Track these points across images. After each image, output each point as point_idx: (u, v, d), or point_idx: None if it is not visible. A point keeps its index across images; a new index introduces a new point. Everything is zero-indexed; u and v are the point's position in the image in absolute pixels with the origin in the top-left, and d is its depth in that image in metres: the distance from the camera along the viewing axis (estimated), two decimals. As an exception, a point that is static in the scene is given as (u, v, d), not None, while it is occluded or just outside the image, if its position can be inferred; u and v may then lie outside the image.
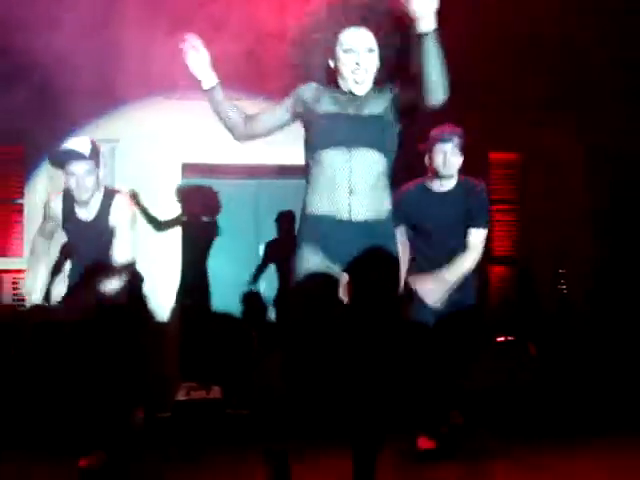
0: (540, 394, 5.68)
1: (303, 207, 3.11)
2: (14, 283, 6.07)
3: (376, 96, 3.09)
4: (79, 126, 5.93)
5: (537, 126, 6.47)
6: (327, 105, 3.07)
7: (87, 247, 4.19)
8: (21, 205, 6.13)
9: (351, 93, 3.06)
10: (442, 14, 2.64)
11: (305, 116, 3.11)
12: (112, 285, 4.11)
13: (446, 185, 4.36)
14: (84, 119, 5.87)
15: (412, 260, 4.42)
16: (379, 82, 3.11)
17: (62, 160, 4.10)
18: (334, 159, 2.99)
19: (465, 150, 4.35)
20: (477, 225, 4.30)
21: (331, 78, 3.13)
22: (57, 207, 4.24)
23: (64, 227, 4.26)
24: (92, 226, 4.19)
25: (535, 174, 6.81)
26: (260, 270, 6.95)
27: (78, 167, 4.07)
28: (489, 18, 6.26)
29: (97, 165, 4.16)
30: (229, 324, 6.67)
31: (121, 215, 4.19)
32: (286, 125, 3.19)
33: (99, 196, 4.20)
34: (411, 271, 4.34)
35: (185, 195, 6.40)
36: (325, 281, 2.98)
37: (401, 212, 4.08)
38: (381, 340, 2.98)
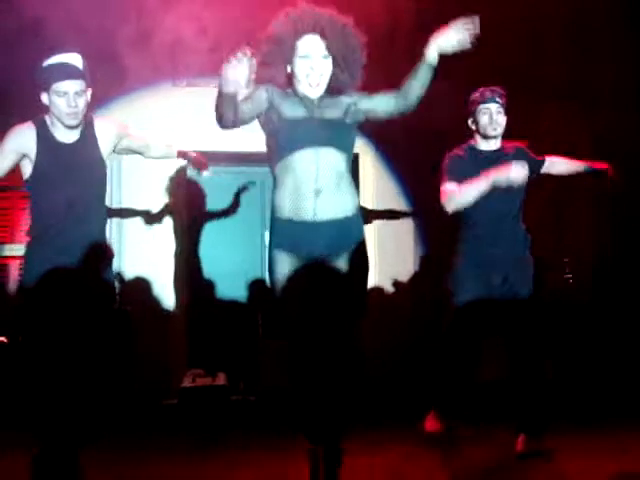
0: (544, 386, 5.70)
1: (272, 211, 3.27)
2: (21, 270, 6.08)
3: (333, 102, 3.28)
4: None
5: (542, 114, 6.46)
6: (292, 110, 3.23)
7: (67, 176, 3.61)
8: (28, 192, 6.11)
9: (306, 97, 3.24)
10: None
11: (271, 116, 3.25)
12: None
13: (493, 145, 4.36)
14: (90, 106, 5.87)
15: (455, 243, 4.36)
16: (334, 89, 3.28)
17: (51, 77, 3.54)
18: (302, 160, 3.16)
19: (507, 112, 4.35)
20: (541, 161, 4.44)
21: (288, 83, 3.30)
22: (31, 137, 3.61)
23: (38, 159, 3.61)
24: (76, 148, 3.66)
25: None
26: None
27: (71, 85, 3.54)
28: (495, 4, 6.25)
29: (88, 85, 3.64)
30: (234, 311, 6.69)
31: (106, 127, 3.78)
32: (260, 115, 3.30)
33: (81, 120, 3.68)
34: (456, 253, 4.32)
35: (190, 183, 6.41)
36: (300, 281, 3.15)
37: (453, 175, 4.16)
38: (348, 335, 3.17)
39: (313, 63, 3.19)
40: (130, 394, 4.69)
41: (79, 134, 3.68)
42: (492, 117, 4.27)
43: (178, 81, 6.25)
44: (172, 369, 5.95)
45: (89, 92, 3.66)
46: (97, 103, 5.91)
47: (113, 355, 4.02)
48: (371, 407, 5.18)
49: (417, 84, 3.21)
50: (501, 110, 4.31)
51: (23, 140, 3.62)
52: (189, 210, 6.45)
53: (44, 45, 5.44)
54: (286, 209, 3.17)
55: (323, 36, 3.19)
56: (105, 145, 3.77)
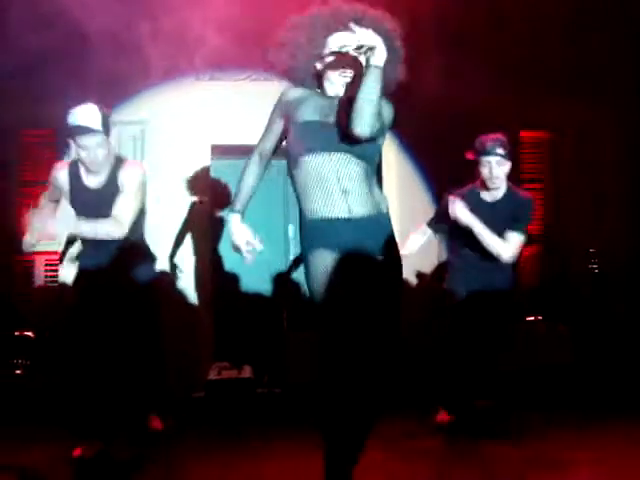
0: (572, 374, 5.67)
1: (301, 215, 3.16)
2: (47, 265, 6.14)
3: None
4: (110, 107, 5.97)
5: (567, 102, 6.41)
6: (308, 113, 3.08)
7: (95, 217, 3.98)
8: (53, 187, 6.16)
9: (335, 96, 3.10)
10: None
11: (286, 120, 3.15)
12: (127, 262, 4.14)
13: (495, 195, 4.45)
14: (114, 100, 5.90)
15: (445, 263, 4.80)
16: None
17: (73, 133, 3.97)
18: (318, 164, 3.04)
19: (511, 156, 4.42)
20: (513, 229, 4.35)
21: (315, 80, 3.17)
22: (63, 176, 4.15)
23: (71, 196, 4.15)
24: (101, 193, 4.09)
25: (566, 152, 6.77)
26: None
27: (89, 141, 3.97)
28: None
29: (108, 134, 4.04)
30: (260, 304, 6.71)
31: (129, 177, 4.08)
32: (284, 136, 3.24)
33: (110, 164, 4.12)
34: (449, 270, 4.69)
35: (214, 177, 6.44)
36: (342, 277, 3.02)
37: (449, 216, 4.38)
38: (386, 330, 3.06)
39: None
40: (161, 388, 4.72)
41: (105, 179, 4.11)
42: (492, 171, 4.34)
43: (201, 75, 6.26)
44: (200, 362, 5.98)
45: (109, 142, 4.08)
46: (122, 97, 6.04)
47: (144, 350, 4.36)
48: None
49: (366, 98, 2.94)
50: (502, 162, 4.36)
51: (58, 179, 4.18)
52: (214, 204, 6.47)
53: (68, 38, 5.55)
54: (318, 210, 3.05)
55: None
56: (130, 188, 4.09)
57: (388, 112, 3.13)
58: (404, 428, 4.52)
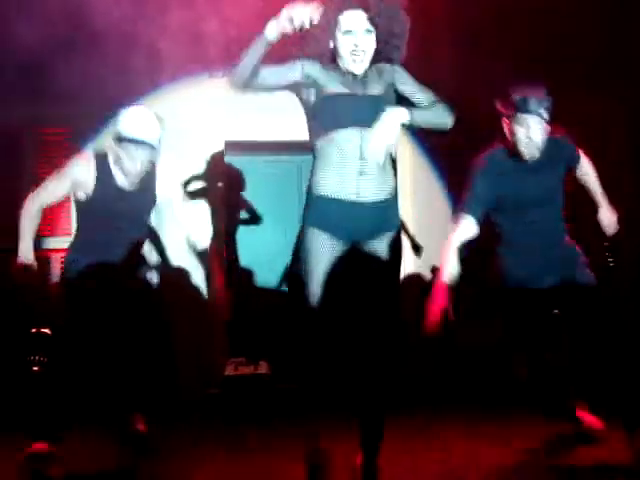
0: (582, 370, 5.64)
1: (309, 188, 3.20)
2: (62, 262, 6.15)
3: (376, 77, 3.20)
4: (123, 105, 5.98)
5: (576, 95, 6.37)
6: (335, 85, 3.14)
7: (123, 217, 3.84)
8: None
9: (349, 73, 3.16)
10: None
11: (311, 90, 3.16)
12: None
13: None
14: (129, 97, 5.91)
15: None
16: (380, 60, 3.22)
17: (127, 143, 3.74)
18: (347, 140, 3.08)
19: (552, 117, 3.70)
20: (577, 161, 3.94)
21: (331, 58, 3.21)
22: (88, 171, 3.82)
23: (95, 193, 3.82)
24: (132, 195, 3.88)
25: (576, 144, 6.73)
26: None
27: (142, 155, 3.78)
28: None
29: (159, 149, 3.88)
30: (275, 300, 6.71)
31: (164, 186, 4.03)
32: (287, 87, 3.20)
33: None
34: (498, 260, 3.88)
35: (228, 171, 6.44)
36: (333, 260, 3.10)
37: (483, 189, 3.68)
38: (385, 317, 3.13)
39: (357, 39, 3.11)
40: (174, 385, 4.71)
41: (140, 183, 3.90)
42: (530, 133, 3.60)
43: (215, 72, 6.26)
44: (214, 358, 5.99)
45: (159, 153, 3.89)
46: (135, 94, 6.05)
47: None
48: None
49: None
50: (544, 125, 3.64)
51: (79, 173, 3.82)
52: (227, 199, 6.47)
53: (80, 36, 5.57)
54: (328, 187, 3.10)
55: (366, 10, 3.10)
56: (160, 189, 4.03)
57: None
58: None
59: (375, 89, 3.17)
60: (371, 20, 3.11)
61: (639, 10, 6.34)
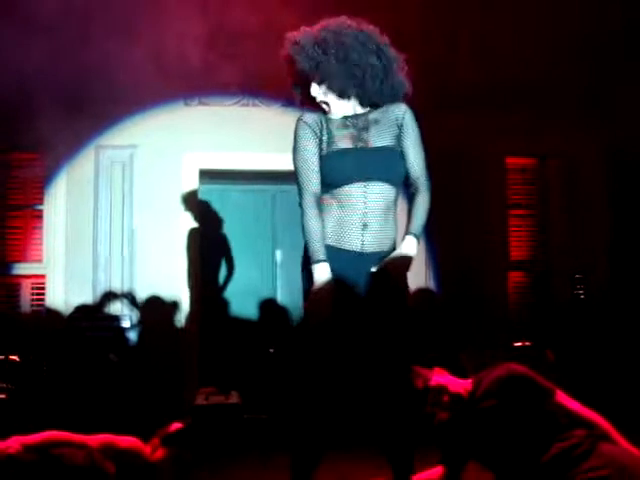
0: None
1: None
2: (33, 289, 6.10)
3: (383, 123, 3.11)
4: (98, 132, 5.99)
5: (553, 129, 6.46)
6: (338, 140, 3.08)
7: None
8: (40, 211, 6.14)
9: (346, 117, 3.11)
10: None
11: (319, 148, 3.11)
12: None
13: None
14: (103, 125, 5.93)
15: None
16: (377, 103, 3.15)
17: None
18: (350, 194, 3.02)
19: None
20: None
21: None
22: None
23: None
24: None
25: (552, 178, 6.80)
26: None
27: None
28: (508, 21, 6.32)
29: None
30: (247, 330, 6.69)
31: None
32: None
33: None
34: None
35: (202, 200, 6.43)
36: (340, 312, 2.99)
37: None
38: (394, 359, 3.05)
39: (312, 91, 3.09)
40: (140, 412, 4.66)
41: None
42: None
43: (190, 100, 6.26)
44: (184, 386, 5.94)
45: None
46: (110, 122, 6.05)
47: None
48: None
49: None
50: None
51: None
52: (201, 227, 6.45)
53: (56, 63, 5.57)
54: (329, 236, 3.05)
55: (298, 56, 3.04)
56: None
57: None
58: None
59: (382, 139, 3.09)
60: (301, 68, 3.06)
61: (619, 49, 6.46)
